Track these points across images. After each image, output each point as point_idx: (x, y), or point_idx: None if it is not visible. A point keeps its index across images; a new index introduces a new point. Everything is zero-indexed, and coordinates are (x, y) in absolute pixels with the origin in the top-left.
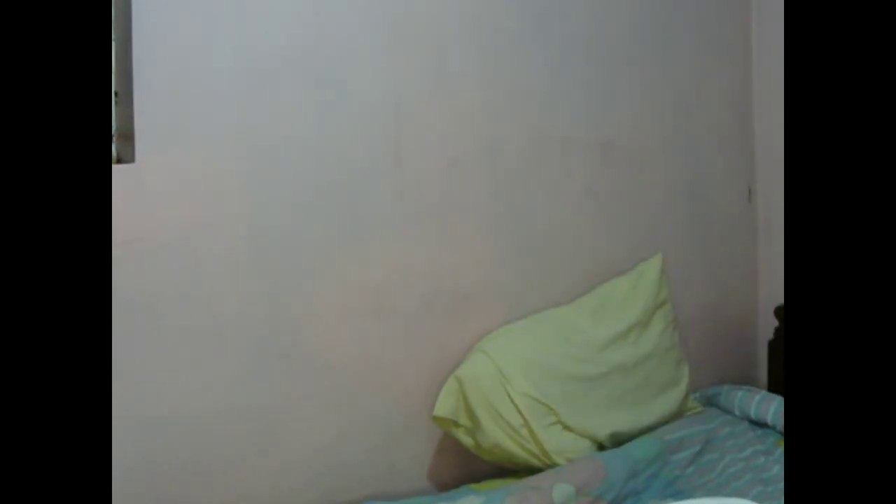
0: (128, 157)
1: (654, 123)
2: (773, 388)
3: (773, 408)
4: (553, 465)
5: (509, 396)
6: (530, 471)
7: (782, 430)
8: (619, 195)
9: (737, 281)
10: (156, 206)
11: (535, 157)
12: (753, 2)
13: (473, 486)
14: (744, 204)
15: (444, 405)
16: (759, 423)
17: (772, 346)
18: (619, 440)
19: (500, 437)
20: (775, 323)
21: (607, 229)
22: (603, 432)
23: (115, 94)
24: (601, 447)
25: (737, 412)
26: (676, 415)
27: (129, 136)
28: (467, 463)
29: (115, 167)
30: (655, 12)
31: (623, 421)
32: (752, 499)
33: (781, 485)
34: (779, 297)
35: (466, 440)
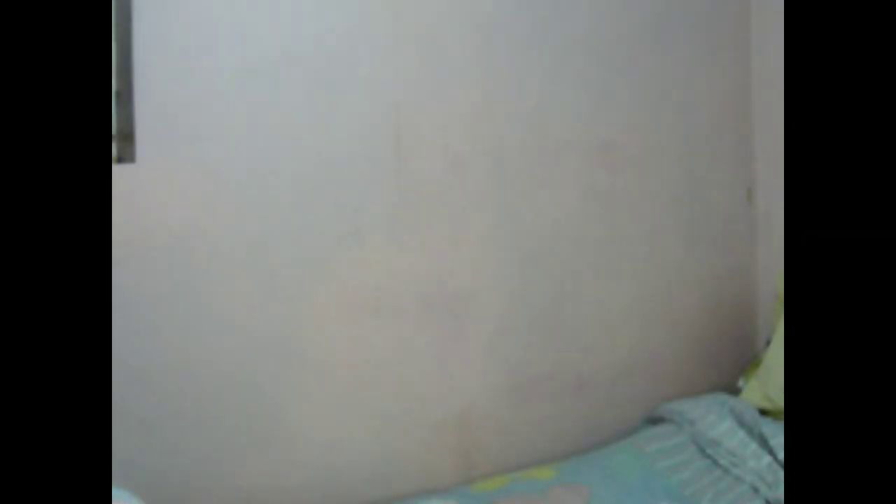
0: (128, 157)
1: (654, 123)
2: None
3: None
4: None
5: None
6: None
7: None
8: (619, 195)
9: (737, 281)
10: (156, 206)
11: (535, 157)
12: (753, 2)
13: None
14: (744, 204)
15: None
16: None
17: None
18: None
19: None
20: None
21: (607, 229)
22: None
23: (116, 94)
24: None
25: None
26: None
27: (129, 136)
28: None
29: (115, 167)
30: (655, 12)
31: None
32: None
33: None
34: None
35: None
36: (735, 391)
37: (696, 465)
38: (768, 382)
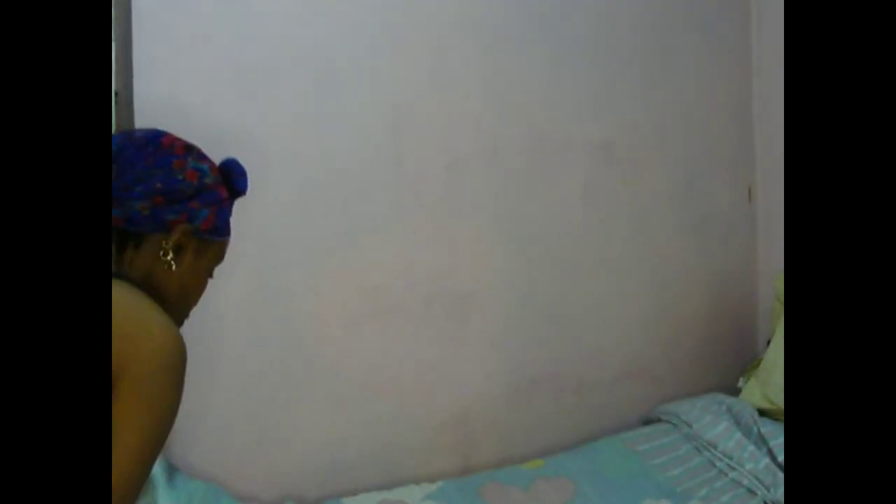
0: None
1: (654, 123)
2: None
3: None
4: None
5: None
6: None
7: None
8: (619, 195)
9: (737, 281)
10: None
11: (535, 157)
12: (753, 2)
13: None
14: (744, 204)
15: None
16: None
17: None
18: None
19: None
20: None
21: (607, 229)
22: None
23: (115, 94)
24: None
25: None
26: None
27: None
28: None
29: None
30: (656, 12)
31: None
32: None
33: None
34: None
35: None
36: (735, 391)
37: (690, 462)
38: (768, 382)
